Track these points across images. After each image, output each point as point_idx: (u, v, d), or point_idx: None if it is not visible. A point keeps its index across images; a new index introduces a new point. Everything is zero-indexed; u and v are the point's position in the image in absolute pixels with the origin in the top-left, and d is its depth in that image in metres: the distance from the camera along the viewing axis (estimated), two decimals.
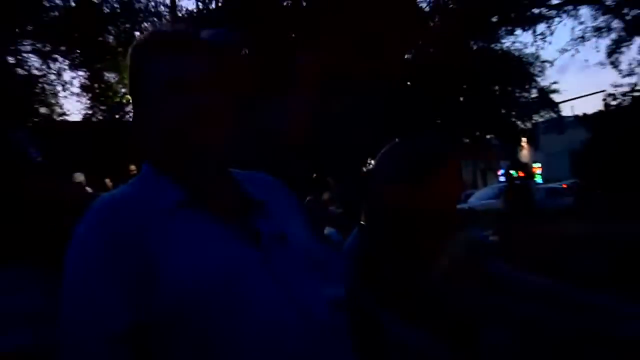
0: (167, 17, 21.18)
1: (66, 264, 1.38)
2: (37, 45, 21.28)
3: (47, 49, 21.31)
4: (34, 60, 21.60)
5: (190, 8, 22.05)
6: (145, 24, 21.81)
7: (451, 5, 21.14)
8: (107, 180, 11.85)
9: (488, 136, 24.62)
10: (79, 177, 11.72)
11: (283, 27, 18.79)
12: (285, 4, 21.09)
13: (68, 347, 1.33)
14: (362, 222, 2.14)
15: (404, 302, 1.86)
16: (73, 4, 20.93)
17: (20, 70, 21.23)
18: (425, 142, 2.07)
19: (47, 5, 20.71)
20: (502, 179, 34.91)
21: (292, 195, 1.71)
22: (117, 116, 22.83)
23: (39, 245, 2.41)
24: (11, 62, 20.86)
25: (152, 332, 1.32)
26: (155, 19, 21.91)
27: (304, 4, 20.90)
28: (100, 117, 23.15)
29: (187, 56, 1.46)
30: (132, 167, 11.25)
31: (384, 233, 2.00)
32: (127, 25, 21.69)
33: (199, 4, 21.82)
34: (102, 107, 23.18)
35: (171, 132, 1.45)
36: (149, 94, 1.47)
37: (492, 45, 22.86)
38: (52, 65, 21.84)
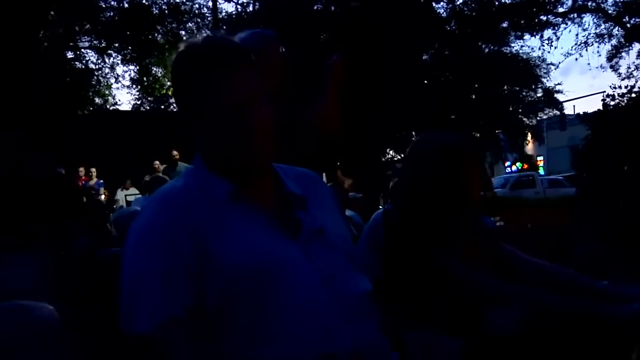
0: (209, 18, 21.25)
1: (127, 248, 1.39)
2: (94, 41, 21.50)
3: (102, 45, 21.52)
4: (91, 55, 21.87)
5: (230, 11, 22.02)
6: (190, 24, 21.93)
7: (466, 11, 20.97)
8: (157, 162, 11.86)
9: (496, 131, 24.43)
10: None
11: (314, 29, 18.76)
12: (315, 7, 21.05)
13: (125, 325, 1.33)
14: (384, 208, 2.13)
15: (420, 284, 1.85)
16: (126, 6, 21.11)
17: (77, 64, 21.49)
18: (447, 138, 2.07)
19: (103, 6, 20.93)
20: (508, 170, 34.75)
21: (329, 189, 1.71)
22: (162, 107, 23.01)
23: None
24: (70, 56, 21.12)
25: (211, 311, 1.34)
26: (198, 20, 22.00)
27: (332, 8, 20.84)
28: (148, 108, 23.35)
29: (235, 76, 1.44)
30: (175, 153, 11.26)
31: (413, 218, 1.99)
32: (174, 25, 21.79)
33: (238, 7, 21.90)
34: (150, 99, 23.37)
35: (224, 142, 1.44)
36: (202, 109, 1.45)
37: (502, 49, 22.68)
38: (106, 60, 22.09)
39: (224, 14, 21.58)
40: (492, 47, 22.43)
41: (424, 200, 1.96)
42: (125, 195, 12.96)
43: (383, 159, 21.63)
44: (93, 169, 13.01)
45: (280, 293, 1.35)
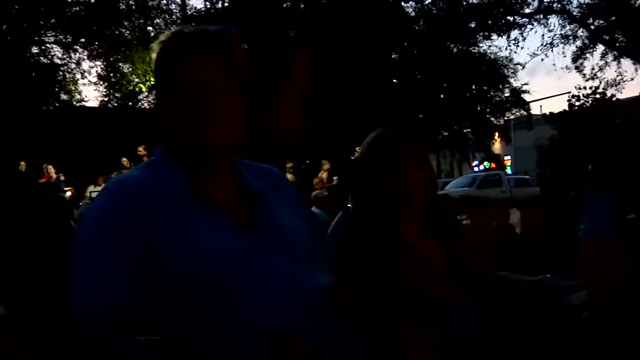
0: (178, 14, 21.14)
1: (78, 238, 1.38)
2: (59, 36, 21.24)
3: (69, 40, 21.27)
4: (56, 50, 21.61)
5: (199, 7, 21.92)
6: (157, 20, 21.79)
7: (434, 11, 21.13)
8: (124, 159, 11.76)
9: (464, 130, 24.64)
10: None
11: (283, 26, 18.75)
12: (284, 5, 21.04)
13: (77, 316, 1.32)
14: (348, 205, 2.15)
15: (379, 284, 1.87)
16: (92, 0, 20.89)
17: (43, 59, 21.22)
18: (388, 134, 2.10)
19: (70, 0, 20.67)
20: (475, 169, 35.06)
21: (291, 186, 1.67)
22: (130, 103, 22.79)
23: None
24: (35, 51, 20.85)
25: (160, 307, 1.32)
26: (166, 16, 21.87)
27: (302, 6, 20.84)
28: (115, 104, 23.11)
29: (198, 63, 1.43)
30: (140, 149, 11.17)
31: (363, 216, 2.01)
32: (141, 21, 21.63)
33: (207, 3, 21.81)
34: (117, 95, 23.14)
35: (183, 130, 1.42)
36: (167, 94, 1.45)
37: (470, 49, 22.87)
38: (72, 55, 21.84)
39: (192, 10, 21.54)
40: (460, 47, 22.62)
41: (365, 199, 1.98)
42: (91, 192, 12.82)
43: (352, 158, 21.71)
44: (49, 166, 12.77)
45: (234, 291, 1.33)
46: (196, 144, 1.42)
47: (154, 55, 1.51)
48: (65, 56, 21.78)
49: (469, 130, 24.86)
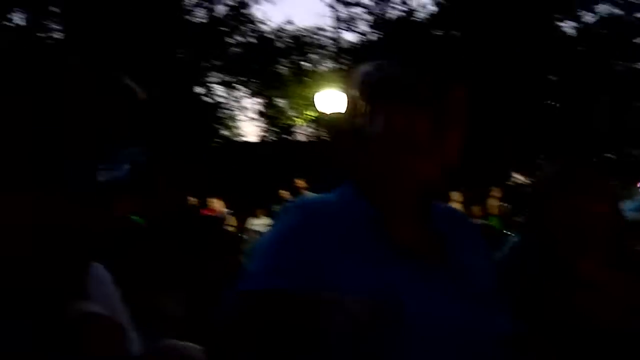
0: (332, 49, 21.63)
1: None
2: (221, 75, 22.38)
3: (230, 79, 22.34)
4: (219, 90, 22.76)
5: (351, 40, 22.27)
6: (312, 56, 22.39)
7: (598, 30, 20.38)
8: (283, 192, 12.06)
9: (632, 151, 23.36)
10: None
11: (437, 56, 18.72)
12: (435, 32, 21.01)
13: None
14: (519, 234, 2.08)
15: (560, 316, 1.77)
16: (253, 41, 21.84)
17: (207, 99, 22.41)
18: (568, 164, 1.99)
19: (232, 42, 21.74)
20: None
21: (474, 226, 1.66)
22: (287, 137, 23.53)
23: None
24: (200, 92, 22.06)
25: None
26: (320, 51, 22.45)
27: (456, 34, 20.74)
28: (275, 138, 23.92)
29: (407, 114, 1.42)
30: (300, 182, 11.38)
31: (538, 249, 1.92)
32: (297, 57, 22.33)
33: (359, 36, 22.17)
34: (275, 129, 23.96)
35: (377, 175, 1.43)
36: (367, 138, 1.44)
37: (635, 65, 21.76)
38: (233, 94, 22.91)
39: (345, 43, 21.96)
40: (624, 64, 21.61)
41: (542, 231, 1.89)
42: (252, 225, 13.27)
43: (507, 183, 21.16)
44: (216, 200, 13.27)
45: (398, 329, 1.24)
46: (388, 193, 1.43)
47: (351, 94, 1.50)
48: (226, 94, 22.94)
49: (637, 149, 23.55)
